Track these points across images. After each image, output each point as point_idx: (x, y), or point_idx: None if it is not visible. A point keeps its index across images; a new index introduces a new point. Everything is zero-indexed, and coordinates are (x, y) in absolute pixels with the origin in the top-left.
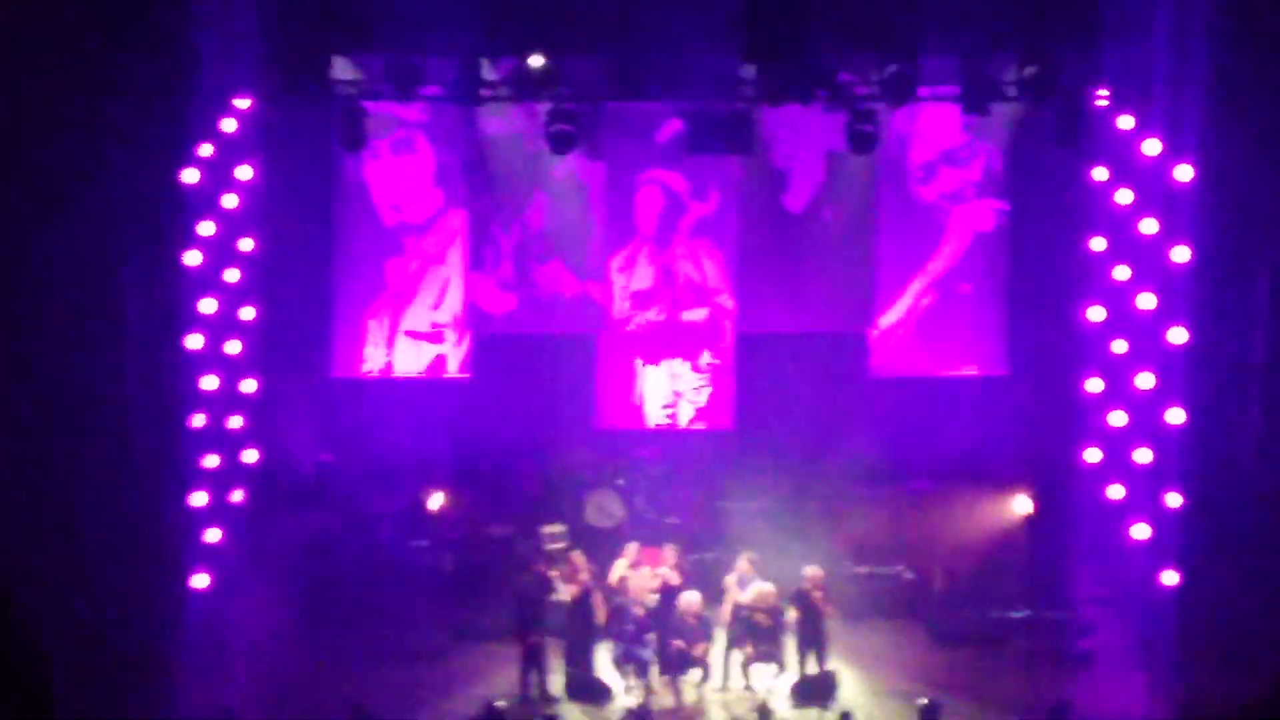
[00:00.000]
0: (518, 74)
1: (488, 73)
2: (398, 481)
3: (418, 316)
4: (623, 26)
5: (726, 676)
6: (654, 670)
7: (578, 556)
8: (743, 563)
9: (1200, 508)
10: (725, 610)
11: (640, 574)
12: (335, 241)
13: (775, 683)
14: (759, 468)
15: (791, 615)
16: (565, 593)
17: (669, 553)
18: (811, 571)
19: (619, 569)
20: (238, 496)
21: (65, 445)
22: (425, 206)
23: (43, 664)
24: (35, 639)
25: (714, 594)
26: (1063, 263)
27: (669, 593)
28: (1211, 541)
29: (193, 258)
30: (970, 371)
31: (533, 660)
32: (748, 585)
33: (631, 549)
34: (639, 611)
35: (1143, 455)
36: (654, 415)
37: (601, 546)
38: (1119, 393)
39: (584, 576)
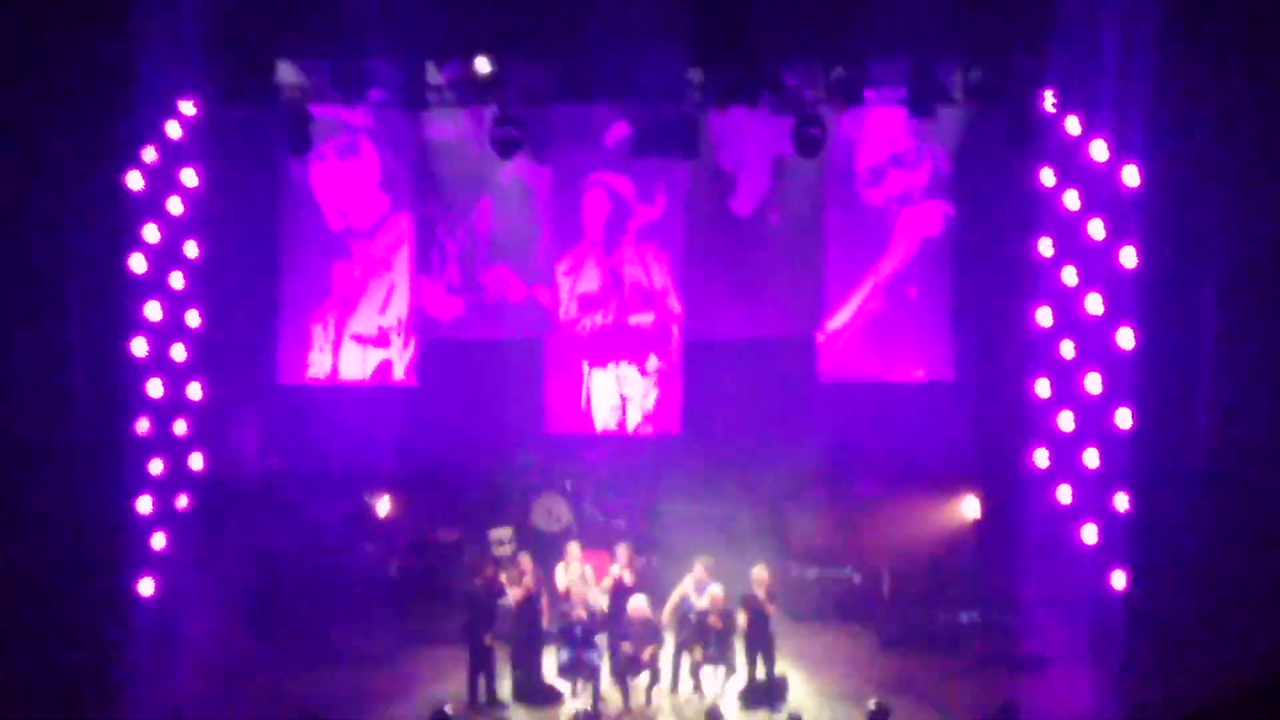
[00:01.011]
0: (463, 78)
1: (433, 77)
2: (344, 486)
3: (363, 321)
4: (569, 30)
5: (676, 680)
6: (603, 673)
7: (524, 560)
8: (699, 567)
9: (1148, 510)
10: (668, 611)
11: (586, 577)
12: (280, 246)
13: (725, 686)
14: (706, 472)
15: (742, 619)
16: (512, 596)
17: (622, 552)
18: (758, 573)
19: (561, 574)
20: (183, 502)
21: (9, 449)
22: (371, 211)
23: None
24: None
25: (661, 597)
26: (1010, 265)
27: (620, 593)
28: (1160, 544)
29: (137, 262)
30: (918, 375)
31: (481, 664)
32: (704, 589)
33: (573, 551)
34: (586, 615)
35: (1091, 458)
36: (601, 419)
37: (549, 550)
38: (1067, 395)
39: (530, 580)
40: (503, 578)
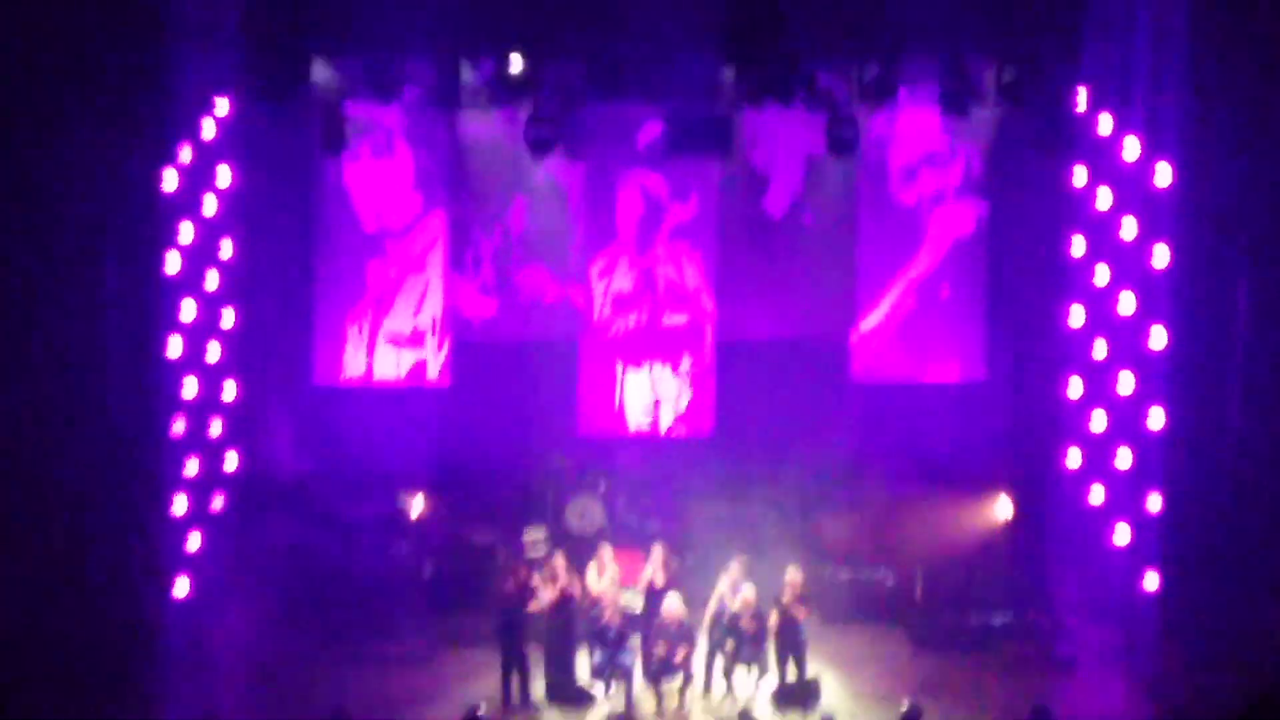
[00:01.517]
0: (497, 77)
1: (467, 76)
2: (378, 488)
3: (398, 321)
4: (602, 29)
5: (709, 682)
6: (636, 675)
7: (558, 561)
8: (735, 567)
9: (1181, 510)
10: (709, 614)
11: (618, 578)
12: (315, 246)
13: (757, 687)
14: (739, 473)
15: (774, 620)
16: (546, 598)
17: (656, 553)
18: (791, 575)
19: (593, 576)
20: (218, 503)
21: (45, 451)
22: (405, 210)
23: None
24: None
25: (695, 597)
26: (1043, 265)
27: (654, 595)
28: (1193, 544)
29: (172, 263)
30: (951, 375)
31: (514, 666)
32: (739, 590)
33: (606, 553)
34: (619, 617)
35: (1123, 458)
36: (635, 420)
37: (582, 552)
38: (1099, 395)
39: (564, 581)
40: (535, 579)
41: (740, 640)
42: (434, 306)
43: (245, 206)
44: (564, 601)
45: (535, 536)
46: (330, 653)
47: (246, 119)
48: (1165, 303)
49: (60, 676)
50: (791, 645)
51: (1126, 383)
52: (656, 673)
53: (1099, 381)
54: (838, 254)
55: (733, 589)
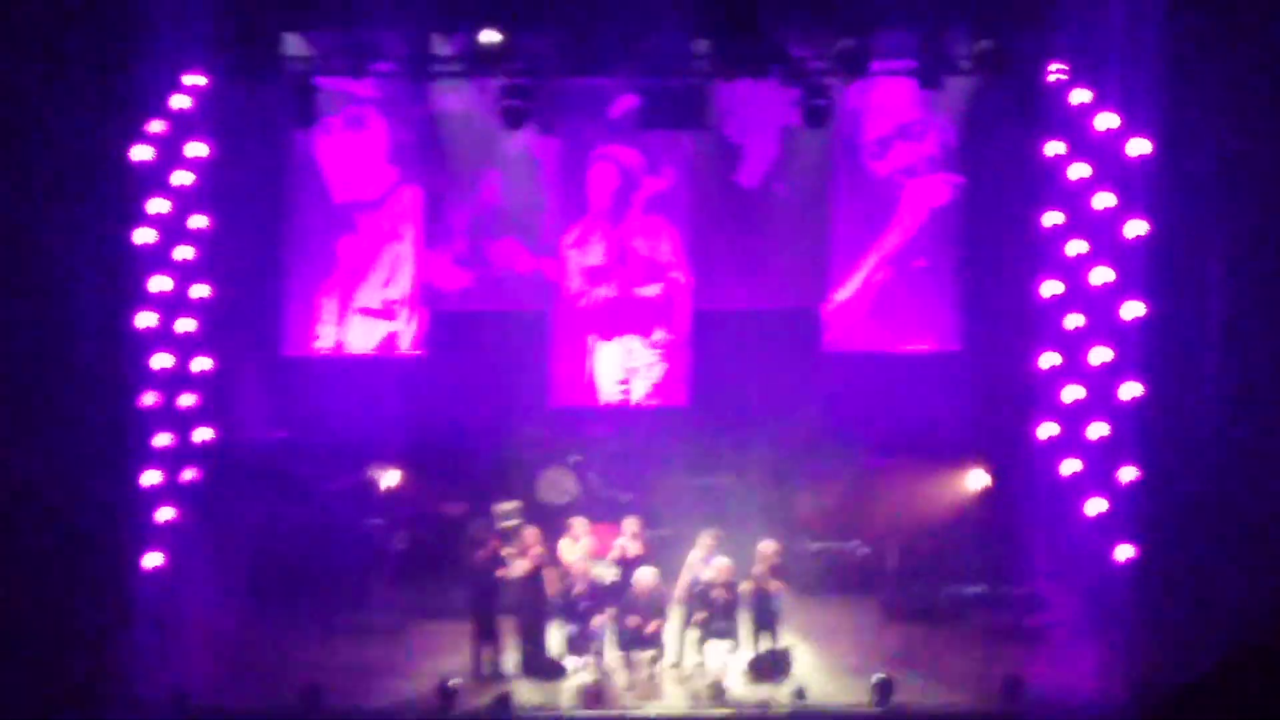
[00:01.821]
0: (470, 49)
1: (440, 48)
2: (350, 459)
3: (370, 294)
4: (575, 1)
5: (681, 653)
6: (608, 648)
7: (530, 533)
8: (707, 538)
9: (1155, 482)
10: (681, 586)
11: (591, 550)
12: (287, 219)
13: (730, 659)
14: (713, 444)
15: (745, 588)
16: (518, 570)
17: (628, 525)
18: (765, 547)
19: (566, 548)
20: (190, 475)
21: (16, 424)
22: (378, 183)
23: None
24: None
25: (668, 570)
26: (1018, 237)
27: (626, 566)
28: (1166, 516)
29: (144, 235)
30: (925, 346)
31: (486, 638)
32: (711, 561)
33: (579, 525)
34: (590, 589)
35: (1098, 430)
36: (608, 392)
37: (555, 524)
38: (1074, 367)
39: (536, 553)
40: (507, 551)
41: (712, 611)
42: (406, 279)
43: (218, 180)
44: (535, 573)
45: (507, 508)
46: (302, 625)
47: (219, 92)
48: (1140, 276)
49: (30, 651)
50: (765, 617)
51: (1100, 355)
52: (629, 645)
53: (1073, 354)
54: (812, 225)
55: (704, 560)
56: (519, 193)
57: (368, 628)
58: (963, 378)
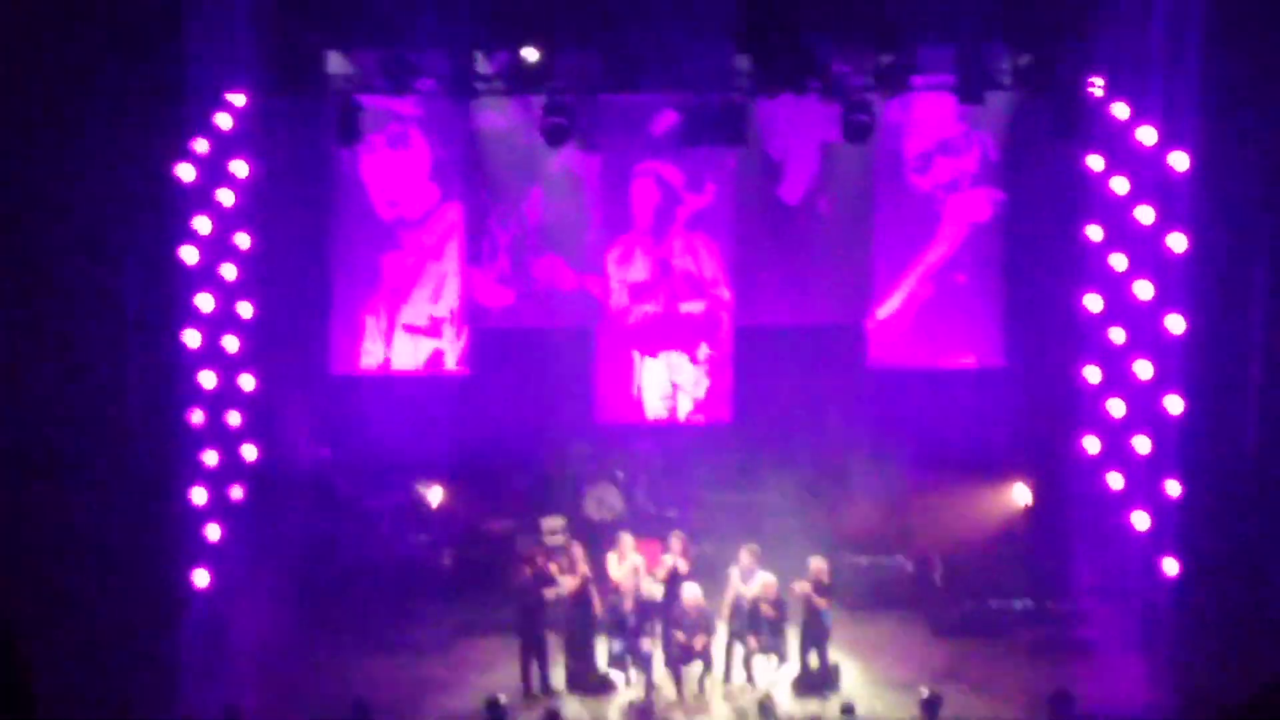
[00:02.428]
0: (512, 67)
1: (482, 66)
2: (397, 477)
3: (415, 311)
4: (616, 18)
5: (729, 669)
6: (656, 663)
7: (577, 549)
8: (745, 555)
9: (1200, 496)
10: (727, 603)
11: (635, 567)
12: (332, 237)
13: (777, 675)
14: (757, 460)
15: (794, 600)
16: (565, 586)
17: (675, 541)
18: (816, 564)
19: (613, 565)
20: (237, 493)
21: (65, 443)
22: (421, 201)
23: (23, 668)
24: (14, 646)
25: (713, 586)
26: (1059, 252)
27: (673, 583)
28: (1211, 530)
29: (189, 254)
30: (968, 362)
31: (534, 654)
32: (751, 578)
33: (626, 541)
34: (638, 605)
35: (1141, 444)
36: (652, 408)
37: (601, 540)
38: (1117, 381)
39: (583, 569)
40: (553, 568)
41: (760, 628)
42: (451, 296)
43: (262, 198)
44: (583, 589)
45: (554, 525)
46: (350, 642)
47: (262, 111)
48: (1182, 290)
49: (82, 669)
50: (814, 633)
51: (1144, 369)
52: (676, 661)
53: (1117, 368)
54: (854, 241)
55: (744, 576)
56: (561, 210)
57: (415, 644)
58: (1006, 392)
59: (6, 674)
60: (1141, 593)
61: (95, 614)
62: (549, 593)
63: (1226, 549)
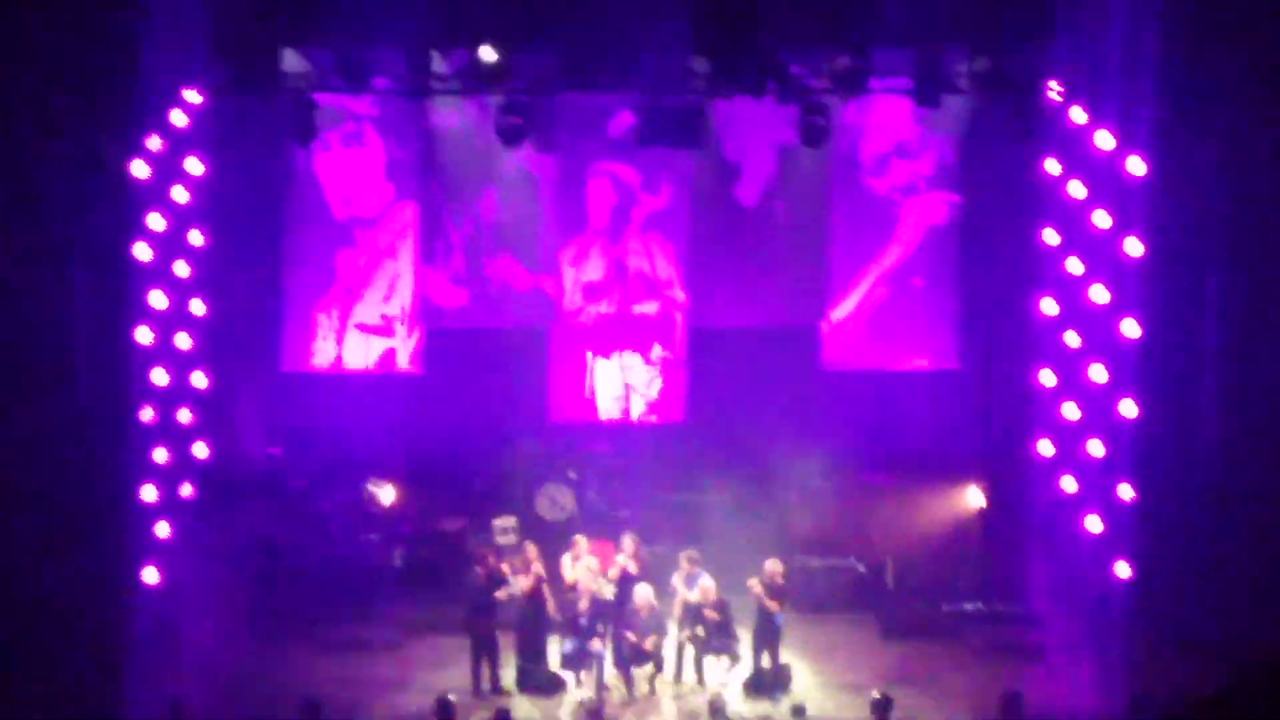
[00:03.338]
0: (468, 66)
1: (438, 65)
2: (348, 475)
3: (368, 310)
4: (574, 19)
5: (679, 670)
6: (607, 664)
7: (530, 549)
8: (684, 562)
9: (1153, 500)
10: (677, 604)
11: (590, 568)
12: (285, 235)
13: (728, 676)
14: (711, 461)
15: (747, 600)
16: (518, 586)
17: (628, 542)
18: (771, 565)
19: (567, 565)
20: (187, 491)
21: (14, 439)
22: (376, 200)
23: None
24: None
25: (665, 587)
26: (1015, 255)
27: (625, 583)
28: (1164, 534)
29: (142, 251)
30: (922, 364)
31: (484, 653)
32: (693, 583)
33: (581, 543)
34: (590, 605)
35: (1095, 448)
36: (605, 408)
37: (553, 539)
38: (1071, 385)
39: (537, 568)
40: (505, 567)
41: (708, 630)
42: (404, 295)
43: (216, 196)
44: (537, 589)
45: (505, 524)
46: (299, 641)
47: (217, 108)
48: (1138, 294)
49: (28, 664)
50: (766, 635)
51: (1099, 374)
52: (627, 661)
53: (1071, 372)
54: (809, 243)
55: (687, 582)
56: (516, 210)
57: (366, 643)
58: (960, 395)
59: None
60: (1094, 596)
61: (43, 610)
62: (502, 592)
63: (1179, 553)
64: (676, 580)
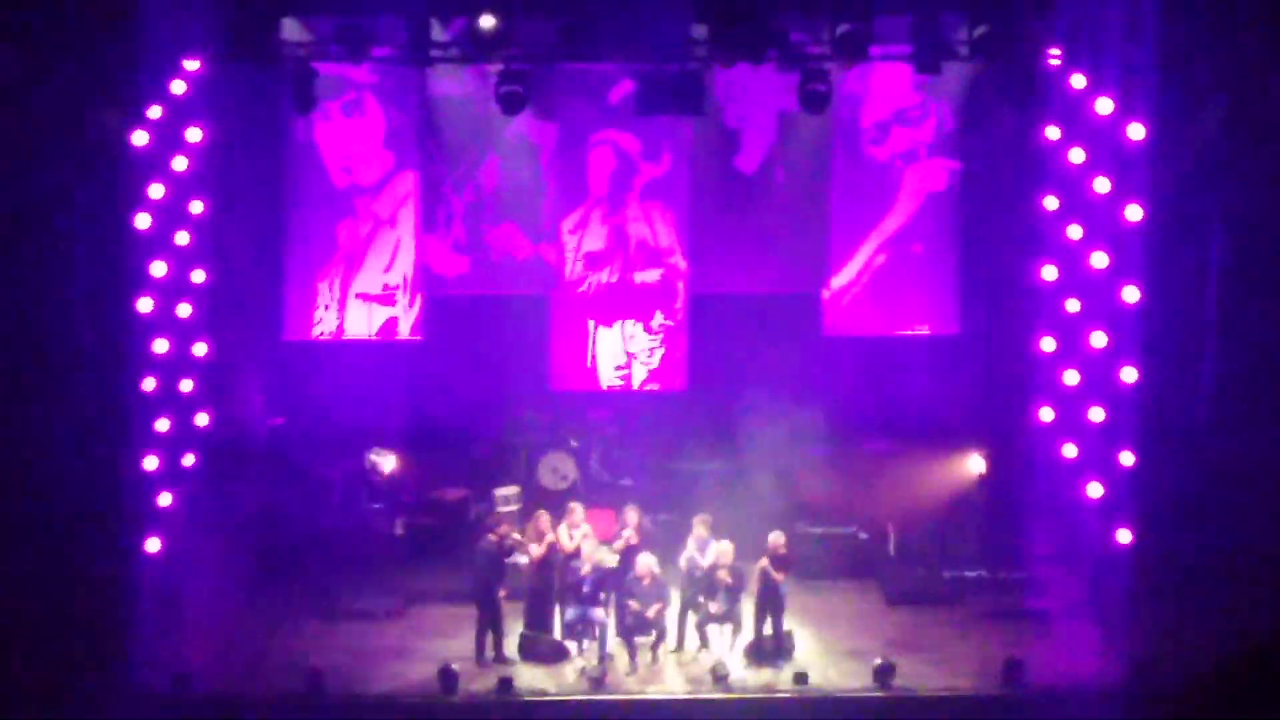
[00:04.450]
0: (468, 34)
1: (438, 33)
2: (349, 444)
3: (369, 279)
4: None
5: (682, 638)
6: (610, 632)
7: (543, 518)
8: (699, 527)
9: (1153, 466)
10: (681, 571)
11: (587, 534)
12: (286, 204)
13: (731, 644)
14: (712, 429)
15: (752, 573)
16: (532, 554)
17: (630, 513)
18: (774, 537)
19: (564, 533)
20: (189, 460)
21: (16, 409)
22: (376, 168)
23: None
24: None
25: (667, 554)
26: (1015, 222)
27: (628, 552)
28: (1164, 500)
29: (143, 220)
30: (923, 331)
31: (490, 622)
32: (706, 547)
33: (577, 510)
34: (593, 573)
35: (1096, 414)
36: (607, 377)
37: (555, 508)
38: (1072, 351)
39: (550, 537)
40: (517, 535)
41: (715, 594)
42: (405, 264)
43: (216, 164)
44: (546, 558)
45: (507, 493)
46: (302, 610)
47: (217, 77)
48: (1138, 260)
49: (31, 635)
50: (770, 603)
51: (1099, 339)
52: (630, 629)
53: (1071, 338)
54: (810, 210)
55: (700, 546)
56: (517, 178)
57: (368, 612)
58: (961, 362)
59: None
60: (1095, 562)
61: (46, 581)
62: (515, 559)
63: (1179, 520)
64: (690, 543)
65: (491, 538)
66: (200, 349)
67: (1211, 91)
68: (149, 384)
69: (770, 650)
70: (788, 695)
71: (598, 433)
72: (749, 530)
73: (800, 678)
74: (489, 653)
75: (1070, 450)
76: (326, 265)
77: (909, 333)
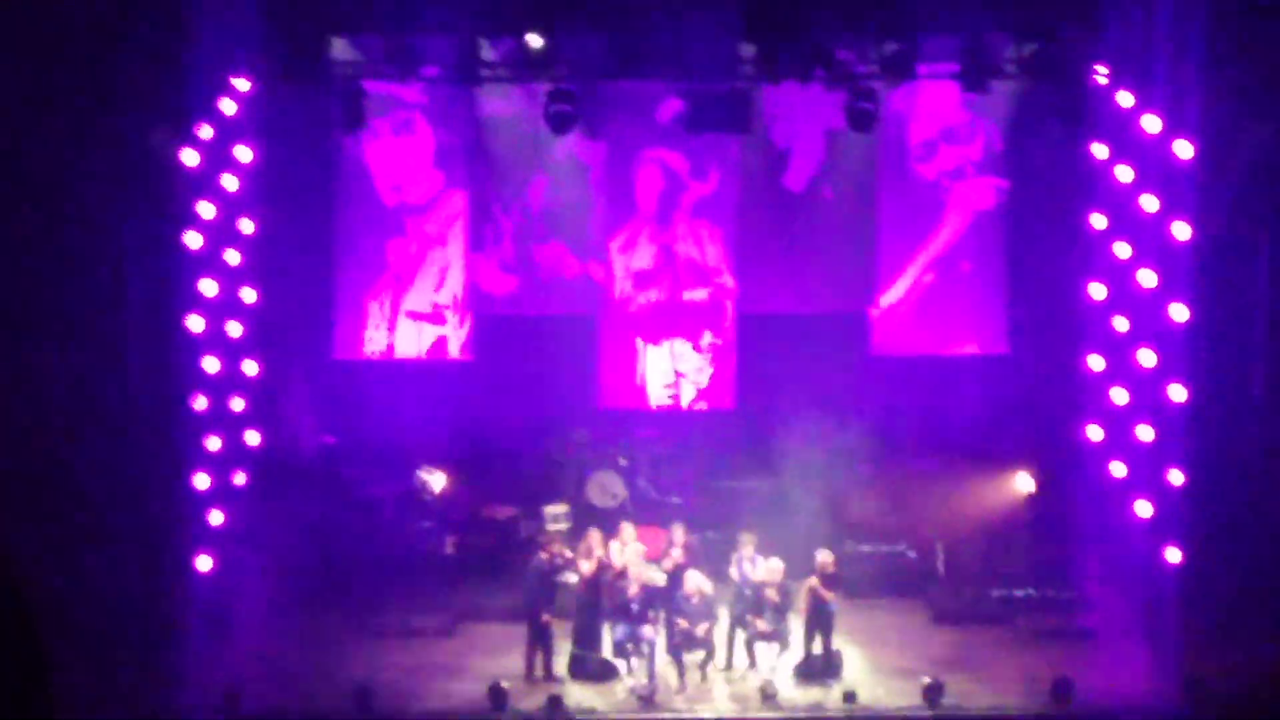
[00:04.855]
0: (517, 54)
1: (487, 53)
2: (400, 463)
3: (419, 298)
4: (622, 5)
5: (731, 656)
6: (659, 650)
7: (594, 536)
8: (746, 542)
9: (1202, 485)
10: (729, 589)
11: (638, 553)
12: (335, 223)
13: (779, 662)
14: (760, 447)
15: (802, 593)
16: (583, 571)
17: (678, 532)
18: (823, 556)
19: (615, 552)
20: (240, 479)
21: (67, 428)
22: (425, 187)
23: (39, 653)
24: (32, 627)
25: (715, 573)
26: (1063, 240)
27: (677, 570)
28: (1214, 518)
29: (193, 239)
30: (971, 350)
31: (539, 640)
32: (754, 564)
33: (627, 529)
34: (641, 592)
35: (1144, 433)
36: (656, 395)
37: (604, 527)
38: (1120, 370)
39: (600, 554)
40: (568, 553)
41: (762, 612)
42: (455, 283)
43: (266, 184)
44: (596, 576)
45: (556, 512)
46: (352, 628)
47: (267, 97)
48: (1186, 278)
49: (83, 654)
50: (819, 621)
51: (1147, 358)
52: (678, 648)
53: (1120, 357)
54: (858, 229)
55: (749, 564)
56: (565, 197)
57: (418, 630)
58: (1009, 381)
59: (28, 665)
60: (1144, 582)
61: (98, 600)
62: (565, 577)
63: (1229, 538)
64: (737, 559)
65: (543, 555)
66: (251, 367)
67: (1259, 109)
68: (200, 402)
69: (819, 669)
70: (836, 714)
71: (646, 451)
72: (797, 548)
73: (849, 696)
74: (538, 671)
75: (1119, 469)
76: (376, 284)
77: (957, 352)
